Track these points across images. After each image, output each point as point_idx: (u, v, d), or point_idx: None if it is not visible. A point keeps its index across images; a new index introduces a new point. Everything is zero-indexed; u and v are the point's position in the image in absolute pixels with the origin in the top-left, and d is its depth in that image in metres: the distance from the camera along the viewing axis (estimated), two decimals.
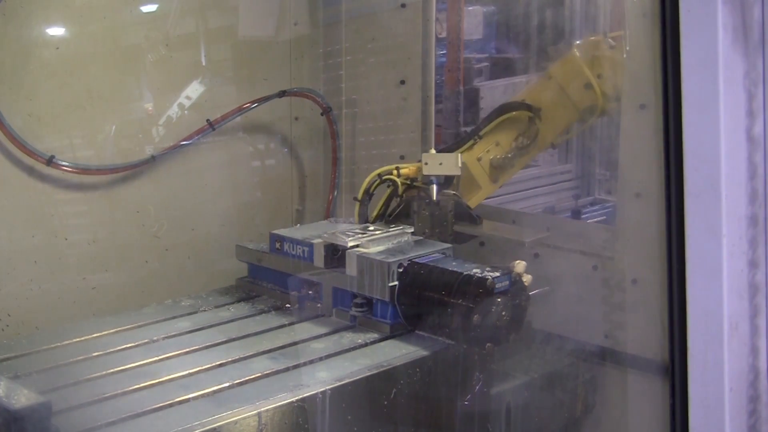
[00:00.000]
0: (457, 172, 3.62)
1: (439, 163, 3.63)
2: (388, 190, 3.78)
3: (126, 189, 3.89)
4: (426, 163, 3.65)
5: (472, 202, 3.77)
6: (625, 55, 3.33)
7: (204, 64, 4.16)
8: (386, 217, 3.77)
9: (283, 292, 3.72)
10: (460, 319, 3.15)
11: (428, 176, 3.64)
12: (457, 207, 3.67)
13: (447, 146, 3.97)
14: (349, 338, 3.35)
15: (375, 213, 3.80)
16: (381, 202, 3.78)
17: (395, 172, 3.72)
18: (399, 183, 3.72)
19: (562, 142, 4.07)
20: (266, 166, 4.51)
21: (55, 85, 3.65)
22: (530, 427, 3.38)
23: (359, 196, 3.78)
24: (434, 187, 3.62)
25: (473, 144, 3.80)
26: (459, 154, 3.66)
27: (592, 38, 3.79)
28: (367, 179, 3.77)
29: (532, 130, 3.79)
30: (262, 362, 3.11)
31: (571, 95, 3.73)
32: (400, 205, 3.74)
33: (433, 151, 3.75)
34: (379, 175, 3.76)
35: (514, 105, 3.85)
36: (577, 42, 3.85)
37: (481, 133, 3.81)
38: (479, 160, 3.79)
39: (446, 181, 3.65)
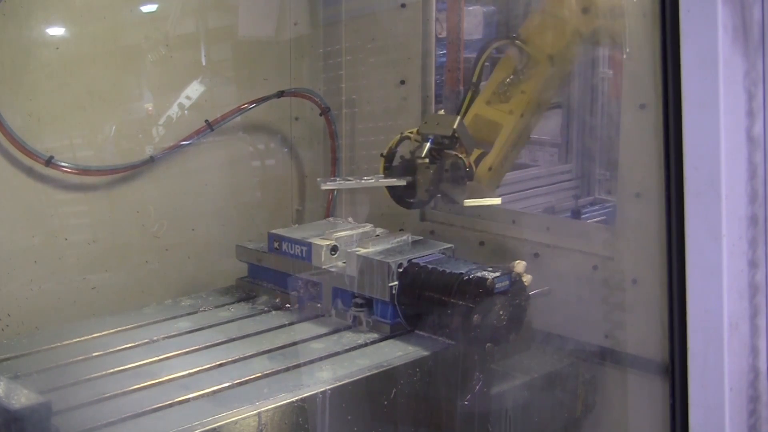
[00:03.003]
0: (447, 132, 3.53)
1: (437, 123, 3.59)
2: (412, 145, 3.71)
3: (126, 189, 3.88)
4: (425, 122, 3.63)
5: (499, 140, 3.72)
6: (624, 56, 3.32)
7: (204, 64, 4.16)
8: (389, 166, 3.71)
9: (283, 291, 3.73)
10: (460, 319, 3.15)
11: (425, 134, 3.59)
12: (453, 168, 3.57)
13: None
14: (348, 338, 3.35)
15: (387, 149, 3.72)
16: (394, 142, 3.72)
17: (415, 131, 3.68)
18: (412, 139, 3.68)
19: (568, 58, 3.95)
20: (266, 166, 4.50)
21: (55, 85, 3.65)
22: (530, 427, 3.38)
23: (385, 153, 3.73)
24: (426, 144, 3.56)
25: (473, 96, 3.79)
26: (459, 117, 3.60)
27: None
28: (394, 139, 3.73)
29: (523, 54, 3.74)
30: (262, 362, 3.12)
31: (561, 15, 3.68)
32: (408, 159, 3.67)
33: (441, 111, 3.71)
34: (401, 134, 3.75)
35: (491, 40, 3.89)
36: None
37: (474, 80, 3.79)
38: (488, 104, 3.77)
39: (451, 143, 3.56)
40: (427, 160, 3.53)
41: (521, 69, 3.74)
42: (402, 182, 3.56)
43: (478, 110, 3.77)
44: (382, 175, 3.65)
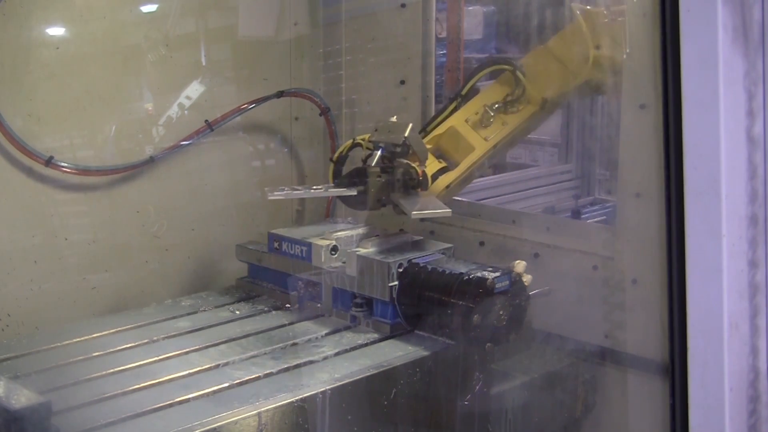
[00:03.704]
0: (398, 141, 3.47)
1: (388, 131, 3.53)
2: (364, 152, 3.68)
3: (126, 189, 3.87)
4: (377, 130, 3.57)
5: (466, 162, 3.68)
6: (624, 56, 3.32)
7: (204, 64, 4.15)
8: (341, 176, 3.68)
9: (283, 292, 3.72)
10: (460, 319, 3.14)
11: (376, 142, 3.54)
12: (405, 177, 3.51)
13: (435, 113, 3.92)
14: (348, 338, 3.34)
15: (336, 155, 3.74)
16: (344, 148, 3.72)
17: (366, 137, 3.65)
18: (363, 146, 3.67)
19: (560, 104, 3.93)
20: (266, 166, 4.49)
21: (55, 85, 3.63)
22: (530, 427, 3.37)
23: (334, 158, 3.73)
24: (377, 153, 3.51)
25: (456, 106, 3.75)
26: (410, 124, 3.52)
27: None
28: (344, 145, 3.74)
29: (518, 87, 3.72)
30: (262, 362, 3.11)
31: (566, 62, 3.65)
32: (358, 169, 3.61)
33: (394, 118, 3.63)
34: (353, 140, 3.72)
35: (493, 59, 3.85)
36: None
37: (463, 93, 3.76)
38: (467, 121, 3.72)
39: (403, 151, 3.50)
40: (377, 169, 3.48)
41: (511, 100, 3.72)
42: (352, 192, 3.51)
43: (455, 124, 3.72)
44: (332, 185, 3.62)
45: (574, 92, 3.82)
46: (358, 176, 3.52)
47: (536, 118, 3.81)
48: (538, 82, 3.71)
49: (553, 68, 3.67)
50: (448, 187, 3.66)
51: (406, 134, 3.45)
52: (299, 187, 3.62)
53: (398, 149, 3.48)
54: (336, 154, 3.70)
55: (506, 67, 3.77)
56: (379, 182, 3.48)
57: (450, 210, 3.44)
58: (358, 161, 3.66)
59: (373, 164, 3.48)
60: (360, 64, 4.42)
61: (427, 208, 3.43)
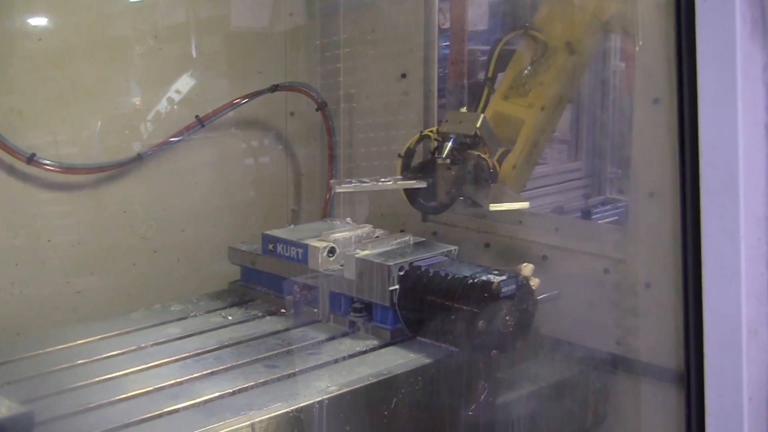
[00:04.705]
0: (470, 131, 3.48)
1: (459, 122, 3.54)
2: (432, 144, 3.68)
3: (112, 188, 3.87)
4: (447, 120, 3.57)
5: (522, 136, 3.66)
6: (638, 48, 3.28)
7: (195, 56, 4.14)
8: (408, 169, 3.65)
9: (278, 296, 3.68)
10: (465, 325, 3.11)
11: (446, 133, 3.53)
12: (477, 169, 3.52)
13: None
14: (347, 345, 3.31)
15: (405, 149, 3.67)
16: (413, 141, 3.66)
17: (435, 130, 3.65)
18: (432, 137, 3.64)
19: (587, 45, 3.93)
20: (260, 164, 4.50)
21: (38, 78, 3.62)
22: None
23: (402, 152, 3.68)
24: (448, 144, 3.50)
25: (489, 92, 3.73)
26: (482, 115, 3.54)
27: None
28: (412, 138, 3.70)
29: (539, 44, 3.69)
30: (255, 370, 3.07)
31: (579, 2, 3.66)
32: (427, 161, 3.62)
33: (463, 109, 3.67)
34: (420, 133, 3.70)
35: (505, 31, 3.81)
36: None
37: (489, 75, 3.74)
38: (506, 99, 3.71)
39: (474, 142, 3.51)
40: (448, 161, 3.47)
41: (538, 59, 3.69)
42: (422, 184, 3.50)
43: (497, 107, 3.71)
44: (400, 177, 3.60)
45: (596, 29, 3.75)
46: (427, 169, 3.52)
47: (572, 66, 3.77)
48: (556, 30, 3.68)
49: (566, 11, 3.68)
50: (514, 167, 3.66)
51: (478, 125, 3.46)
52: (366, 180, 3.61)
53: (468, 140, 3.48)
54: (404, 149, 3.67)
55: (519, 31, 3.75)
56: (450, 174, 3.48)
57: (527, 202, 3.50)
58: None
59: (443, 155, 3.48)
60: (359, 56, 4.41)
61: (504, 200, 3.46)
